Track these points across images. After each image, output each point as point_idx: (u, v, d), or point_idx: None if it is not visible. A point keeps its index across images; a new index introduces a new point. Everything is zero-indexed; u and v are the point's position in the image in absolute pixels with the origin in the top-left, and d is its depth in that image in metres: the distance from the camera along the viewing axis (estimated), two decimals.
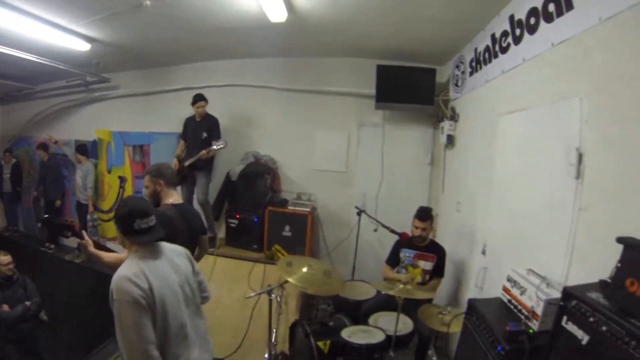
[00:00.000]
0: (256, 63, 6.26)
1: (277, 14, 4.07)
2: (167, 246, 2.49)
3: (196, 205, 5.60)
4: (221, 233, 6.21)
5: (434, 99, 5.25)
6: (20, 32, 4.74)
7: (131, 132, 7.40)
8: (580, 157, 2.34)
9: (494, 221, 3.61)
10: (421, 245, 4.28)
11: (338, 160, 6.04)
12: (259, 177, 5.91)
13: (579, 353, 1.68)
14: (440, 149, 5.42)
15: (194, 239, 3.42)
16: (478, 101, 4.34)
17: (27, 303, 4.89)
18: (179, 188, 5.52)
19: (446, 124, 5.03)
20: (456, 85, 4.95)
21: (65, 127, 8.28)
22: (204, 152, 5.45)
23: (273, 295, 3.64)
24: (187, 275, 2.49)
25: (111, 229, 7.70)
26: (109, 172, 7.77)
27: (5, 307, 4.76)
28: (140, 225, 2.30)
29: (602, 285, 1.73)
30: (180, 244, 2.70)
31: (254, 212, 5.88)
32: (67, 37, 5.02)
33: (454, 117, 5.02)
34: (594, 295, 1.70)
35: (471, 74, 4.45)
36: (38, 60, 5.70)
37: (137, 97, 7.20)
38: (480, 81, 4.17)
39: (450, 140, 5.03)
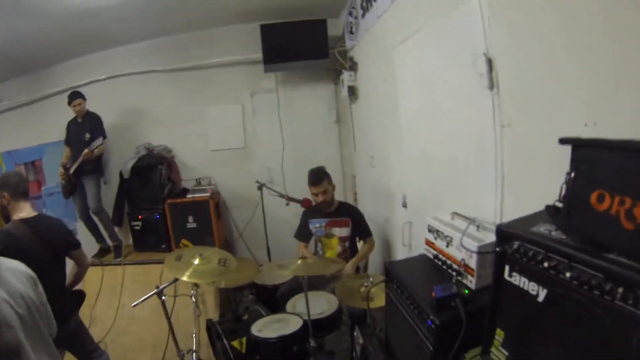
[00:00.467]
0: (138, 48, 5.42)
1: None
2: (3, 264, 1.86)
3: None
4: (129, 239, 5.48)
5: (328, 51, 4.69)
6: None
7: (20, 149, 6.35)
8: (490, 63, 1.84)
9: (410, 168, 3.12)
10: (329, 210, 3.72)
11: (235, 135, 5.38)
12: (152, 169, 5.14)
13: (538, 315, 1.09)
14: (345, 104, 4.88)
15: (57, 256, 2.98)
16: (373, 43, 3.82)
17: None
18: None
19: (345, 76, 4.48)
20: (351, 32, 4.41)
21: None
22: (86, 151, 4.68)
23: (164, 297, 3.03)
24: (27, 298, 1.86)
25: None
26: None
27: None
28: None
29: (550, 212, 1.13)
30: (36, 264, 2.16)
31: (155, 209, 5.15)
32: None
33: (353, 67, 4.47)
34: (543, 229, 1.12)
35: (363, 15, 3.92)
36: None
37: (23, 109, 6.18)
38: (372, 19, 3.65)
39: (352, 91, 4.50)
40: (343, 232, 3.69)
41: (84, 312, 4.74)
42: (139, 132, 5.61)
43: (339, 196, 4.18)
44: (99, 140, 4.85)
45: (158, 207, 5.12)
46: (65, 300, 3.08)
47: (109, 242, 5.32)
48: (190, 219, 5.02)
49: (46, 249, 2.86)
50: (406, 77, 2.96)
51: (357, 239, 3.79)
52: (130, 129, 5.62)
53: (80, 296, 3.53)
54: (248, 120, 5.30)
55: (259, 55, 4.83)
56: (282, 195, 4.10)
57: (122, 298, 4.88)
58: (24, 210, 2.92)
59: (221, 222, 5.32)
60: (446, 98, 2.38)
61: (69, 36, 4.84)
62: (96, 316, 4.86)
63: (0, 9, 3.78)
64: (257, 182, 4.62)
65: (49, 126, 6.01)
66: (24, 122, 6.36)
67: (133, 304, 3.05)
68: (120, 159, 5.54)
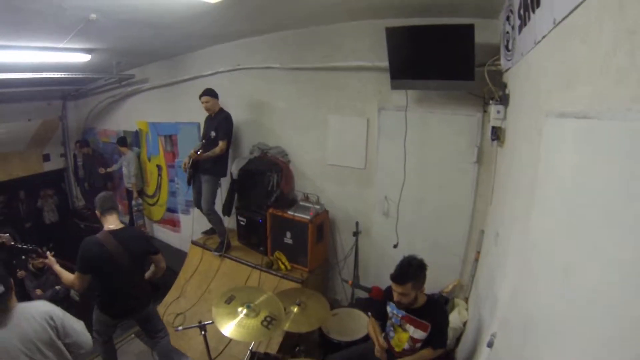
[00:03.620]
0: (261, 41, 4.92)
1: None
2: (20, 312, 2.31)
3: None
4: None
5: (474, 69, 3.20)
6: (38, 60, 5.14)
7: (162, 122, 7.10)
8: None
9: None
10: (412, 306, 2.72)
11: (356, 153, 4.35)
12: (261, 175, 4.70)
13: None
14: (490, 143, 3.43)
15: (137, 260, 3.44)
16: (526, 78, 2.36)
17: (57, 287, 5.30)
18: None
19: (492, 110, 3.04)
20: (507, 48, 2.86)
21: (113, 120, 8.71)
22: (191, 152, 4.74)
23: (203, 333, 3.19)
24: (39, 343, 2.29)
25: (156, 212, 7.92)
26: (149, 160, 7.71)
27: (38, 292, 5.37)
28: None
29: None
30: (119, 266, 3.25)
31: (259, 213, 4.83)
32: (66, 54, 5.19)
33: (504, 100, 3.07)
34: None
35: (520, 29, 2.40)
36: (64, 75, 6.24)
37: (163, 88, 6.78)
38: (528, 42, 2.17)
39: (497, 134, 3.10)
40: (417, 334, 2.70)
41: (179, 283, 5.27)
42: (258, 129, 5.21)
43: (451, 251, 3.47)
44: (197, 145, 4.83)
45: (262, 212, 4.75)
46: (143, 292, 3.60)
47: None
48: (288, 234, 4.52)
49: (128, 254, 3.32)
50: (554, 167, 1.64)
51: None
52: (250, 124, 5.24)
53: (156, 288, 4.00)
54: (372, 139, 4.20)
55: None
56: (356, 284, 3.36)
57: (211, 284, 5.03)
58: (112, 223, 3.39)
59: (322, 244, 4.61)
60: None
61: (196, 30, 4.62)
62: (186, 291, 5.15)
63: (117, 26, 4.19)
64: (354, 232, 4.30)
65: (182, 108, 6.36)
66: (164, 100, 6.88)
67: (176, 329, 3.52)
68: (238, 154, 5.40)
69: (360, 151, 4.29)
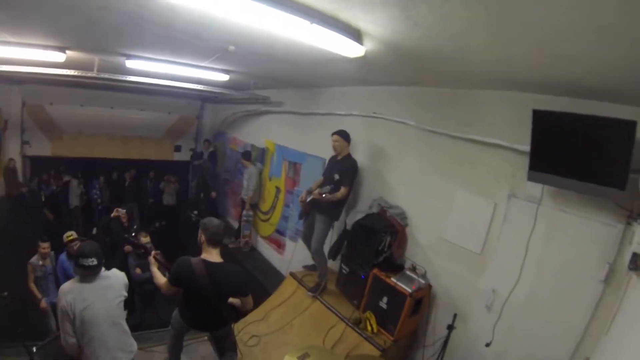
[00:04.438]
0: (399, 92, 5.11)
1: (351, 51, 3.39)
2: (102, 282, 3.41)
3: None
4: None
5: (627, 178, 2.86)
6: (182, 73, 6.12)
7: (289, 147, 7.73)
8: None
9: None
10: None
11: (474, 236, 4.24)
12: (375, 233, 4.83)
13: None
14: (625, 265, 3.10)
15: (221, 296, 3.67)
16: None
17: None
18: None
19: (637, 232, 2.86)
20: None
21: (244, 131, 9.87)
22: (316, 192, 5.03)
23: None
24: (112, 305, 3.41)
25: (265, 228, 8.58)
26: (270, 179, 8.37)
27: (138, 270, 6.16)
28: (82, 262, 3.30)
29: None
30: (200, 292, 3.53)
31: (363, 269, 4.96)
32: (207, 72, 6.14)
33: None
34: None
35: None
36: (203, 88, 7.36)
37: (295, 115, 7.39)
38: None
39: (637, 262, 2.84)
40: None
41: (265, 307, 5.63)
42: (380, 183, 5.35)
43: None
44: (324, 190, 4.97)
45: (366, 268, 4.89)
46: (221, 316, 3.81)
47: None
48: (385, 299, 4.60)
49: (215, 289, 3.56)
50: None
51: None
52: (373, 175, 5.45)
53: (238, 316, 4.15)
54: (495, 225, 4.08)
55: (529, 147, 3.49)
56: None
57: (295, 320, 5.28)
58: (211, 255, 3.63)
59: (415, 318, 4.58)
60: None
61: (334, 72, 4.98)
62: (269, 317, 5.47)
63: (253, 57, 4.79)
64: (447, 326, 4.10)
65: (311, 139, 6.83)
66: (295, 127, 7.51)
67: None
68: (357, 204, 5.60)
69: (480, 235, 4.21)
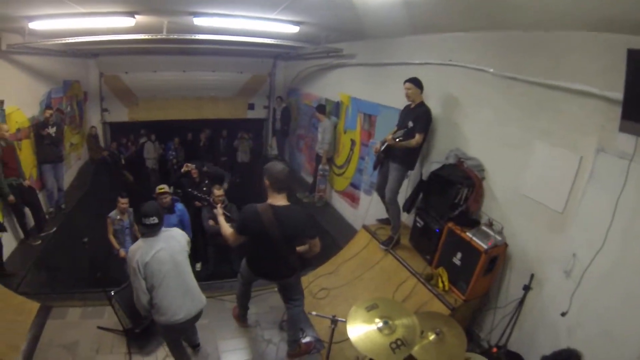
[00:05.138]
0: (475, 38, 4.78)
1: None
2: (166, 233, 3.75)
3: None
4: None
5: None
6: (251, 27, 6.21)
7: (364, 100, 7.63)
8: None
9: None
10: None
11: (555, 192, 3.91)
12: (452, 185, 4.70)
13: None
14: None
15: (289, 238, 3.81)
16: None
17: None
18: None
19: None
20: None
21: (318, 86, 9.89)
22: (389, 136, 5.06)
23: (332, 326, 3.55)
24: (176, 251, 3.69)
25: (339, 182, 8.75)
26: (345, 132, 8.34)
27: (211, 222, 6.41)
28: (145, 222, 3.59)
29: None
30: (269, 239, 3.71)
31: (437, 222, 4.90)
32: (277, 24, 6.11)
33: None
34: None
35: None
36: (274, 42, 7.50)
37: (368, 67, 7.32)
38: None
39: None
40: None
41: (337, 260, 5.84)
42: (456, 133, 5.13)
43: None
44: (398, 134, 4.98)
45: (441, 221, 4.84)
46: (288, 264, 3.99)
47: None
48: (459, 255, 4.52)
49: (281, 232, 3.70)
50: None
51: None
52: (448, 126, 5.26)
53: (305, 264, 4.48)
54: (580, 182, 3.70)
55: (621, 94, 3.12)
56: None
57: (366, 273, 5.44)
58: (277, 200, 3.75)
59: (489, 277, 4.45)
60: None
61: (403, 17, 4.77)
62: (339, 270, 5.71)
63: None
64: (524, 286, 4.02)
65: (385, 90, 6.68)
66: (369, 79, 7.42)
67: (309, 313, 4.10)
68: (431, 154, 5.49)
69: (563, 191, 3.86)
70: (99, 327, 4.58)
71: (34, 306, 4.84)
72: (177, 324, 3.64)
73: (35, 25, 5.66)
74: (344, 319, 3.33)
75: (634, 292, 3.20)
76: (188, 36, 6.66)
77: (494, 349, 2.90)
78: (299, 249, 4.02)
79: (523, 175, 4.26)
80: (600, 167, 3.56)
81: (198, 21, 5.62)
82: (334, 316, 3.51)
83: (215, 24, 5.88)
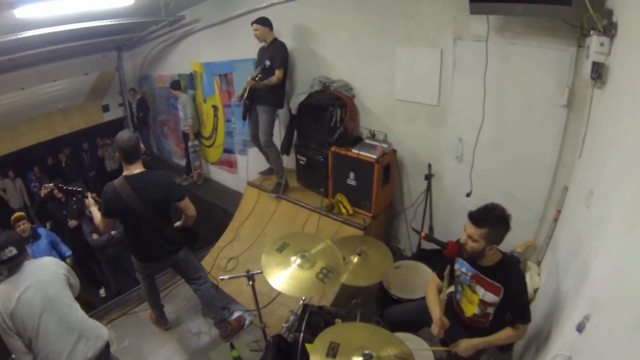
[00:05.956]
0: None
1: None
2: (31, 265, 2.98)
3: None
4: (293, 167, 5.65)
5: None
6: (82, 10, 5.68)
7: (216, 62, 7.38)
8: None
9: None
10: (483, 263, 2.62)
11: (427, 89, 4.19)
12: (323, 110, 4.68)
13: None
14: (585, 84, 3.12)
15: (156, 207, 3.53)
16: None
17: (113, 232, 5.64)
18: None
19: (593, 42, 2.77)
20: None
21: (168, 64, 9.33)
22: (248, 79, 4.83)
23: (251, 283, 3.31)
24: (47, 284, 2.94)
25: (212, 153, 8.50)
26: (205, 101, 8.20)
27: (95, 236, 5.87)
28: (1, 257, 2.82)
29: None
30: (133, 213, 3.43)
31: (320, 151, 4.87)
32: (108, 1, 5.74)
33: (608, 30, 2.84)
34: None
35: None
36: (112, 22, 6.72)
37: (215, 27, 7.01)
38: None
39: (599, 71, 2.85)
40: (488, 296, 2.60)
41: (233, 226, 5.57)
42: (318, 62, 5.16)
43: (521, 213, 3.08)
44: (256, 71, 4.83)
45: (323, 150, 4.79)
46: (168, 239, 3.71)
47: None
48: (352, 175, 4.55)
49: (143, 201, 3.44)
50: None
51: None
52: (309, 57, 5.23)
53: (192, 236, 4.00)
54: (446, 73, 4.01)
55: None
56: (430, 238, 2.96)
57: (267, 227, 5.27)
58: (129, 169, 3.48)
59: (388, 187, 4.63)
60: None
61: None
62: (240, 235, 5.46)
63: None
64: (426, 175, 4.28)
65: (238, 44, 6.42)
66: (218, 39, 7.08)
67: (220, 278, 3.48)
68: (296, 89, 5.44)
69: (433, 86, 4.15)
70: None
71: None
72: None
73: None
74: (259, 271, 3.08)
75: (521, 153, 3.70)
76: (14, 36, 5.67)
77: (422, 234, 2.99)
78: (177, 224, 3.78)
79: (392, 82, 4.46)
80: (461, 55, 3.89)
81: (19, 13, 4.82)
82: (247, 271, 3.28)
83: (41, 13, 5.07)
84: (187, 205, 3.71)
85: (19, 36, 5.80)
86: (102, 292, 6.64)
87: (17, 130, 10.40)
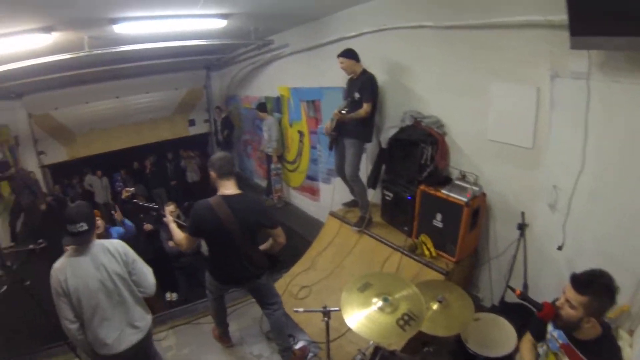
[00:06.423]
0: None
1: None
2: (99, 245, 3.16)
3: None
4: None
5: None
6: (176, 29, 5.91)
7: (304, 87, 7.58)
8: None
9: None
10: (578, 336, 2.37)
11: (521, 129, 3.94)
12: (414, 146, 4.64)
13: None
14: None
15: (248, 230, 3.58)
16: None
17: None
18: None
19: None
20: None
21: (255, 86, 9.88)
22: (335, 112, 4.93)
23: (326, 319, 3.29)
24: (111, 272, 3.11)
25: (295, 178, 8.68)
26: (291, 126, 8.41)
27: (171, 243, 6.04)
28: (70, 229, 3.01)
29: None
30: (227, 233, 3.46)
31: (408, 189, 4.81)
32: (203, 21, 5.87)
33: None
34: None
35: None
36: (203, 42, 7.24)
37: (304, 53, 7.24)
38: None
39: None
40: None
41: (311, 254, 5.66)
42: (407, 96, 5.11)
43: None
44: (345, 103, 4.92)
45: (411, 187, 4.74)
46: (254, 263, 3.75)
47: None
48: (439, 216, 4.44)
49: (239, 223, 3.48)
50: None
51: None
52: (398, 90, 5.23)
53: (273, 261, 4.05)
54: (543, 113, 3.75)
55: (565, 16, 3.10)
56: (524, 298, 2.71)
57: (346, 260, 5.25)
58: (228, 188, 3.55)
59: (474, 232, 4.43)
60: None
61: None
62: (316, 263, 5.50)
63: None
64: (518, 225, 3.99)
65: (326, 72, 6.50)
66: (306, 65, 7.33)
67: (295, 310, 3.50)
68: (385, 123, 5.41)
69: (528, 127, 3.90)
70: None
71: None
72: (116, 355, 3.18)
73: None
74: (337, 308, 3.08)
75: (625, 205, 3.26)
76: (112, 49, 6.35)
77: (517, 291, 2.73)
78: (262, 247, 3.85)
79: (484, 120, 4.27)
80: (558, 93, 3.62)
81: (118, 29, 5.34)
82: (324, 307, 3.28)
83: (138, 30, 5.59)
84: (279, 233, 3.78)
85: (117, 50, 6.48)
86: (168, 295, 6.91)
87: (109, 134, 12.02)
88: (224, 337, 4.56)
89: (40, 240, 5.41)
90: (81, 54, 6.07)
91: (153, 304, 4.74)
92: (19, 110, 10.49)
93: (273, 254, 3.96)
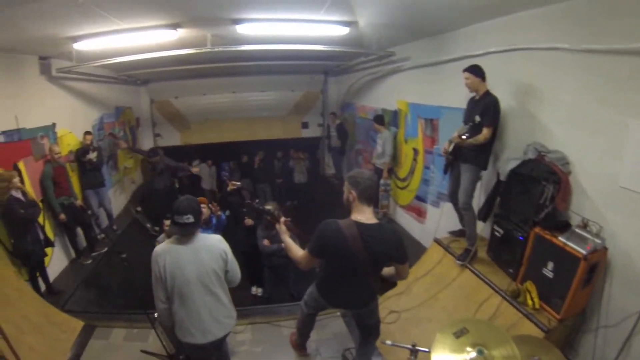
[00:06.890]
0: (541, 14, 4.38)
1: None
2: (202, 239, 3.43)
3: None
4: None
5: None
6: (297, 33, 6.21)
7: (423, 104, 7.39)
8: None
9: None
10: None
11: None
12: (534, 182, 4.28)
13: None
14: None
15: (375, 262, 3.37)
16: None
17: (283, 244, 6.05)
18: None
19: None
20: None
21: (372, 97, 9.83)
22: (455, 135, 4.79)
23: (412, 358, 3.20)
24: (208, 267, 3.36)
25: (403, 196, 8.47)
26: (406, 142, 8.23)
27: (266, 242, 6.29)
28: (177, 220, 3.28)
29: None
30: (352, 260, 3.25)
31: (521, 228, 4.48)
32: (325, 26, 6.00)
33: None
34: None
35: None
36: (324, 48, 7.32)
37: (426, 69, 7.04)
38: None
39: None
40: None
41: (407, 279, 5.05)
42: (532, 125, 4.66)
43: None
44: (465, 128, 4.74)
45: (525, 228, 4.41)
46: (368, 289, 3.64)
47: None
48: (550, 265, 4.06)
49: (368, 254, 3.24)
50: None
51: None
52: (521, 117, 4.83)
53: (390, 285, 3.83)
54: None
55: None
56: None
57: (442, 292, 5.07)
58: (364, 214, 3.31)
59: (587, 290, 3.89)
60: None
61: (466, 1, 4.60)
62: (411, 289, 5.35)
63: None
64: None
65: (447, 90, 6.30)
66: (427, 81, 7.11)
67: (383, 342, 3.44)
68: (504, 152, 5.09)
69: None
70: (142, 351, 4.53)
71: (77, 324, 5.09)
72: (197, 345, 3.43)
73: (79, 46, 6.05)
74: (427, 349, 2.92)
75: None
76: (233, 47, 6.82)
77: None
78: (385, 270, 3.62)
79: (619, 163, 3.68)
80: None
81: (241, 29, 5.72)
82: (414, 345, 3.14)
83: (259, 32, 5.95)
84: (405, 269, 3.56)
85: (237, 48, 6.95)
86: (254, 290, 7.26)
87: (222, 126, 13.09)
88: (301, 346, 4.59)
89: (157, 228, 5.83)
90: (203, 50, 6.63)
91: (238, 293, 4.94)
92: (143, 95, 12.27)
93: (388, 279, 3.74)
